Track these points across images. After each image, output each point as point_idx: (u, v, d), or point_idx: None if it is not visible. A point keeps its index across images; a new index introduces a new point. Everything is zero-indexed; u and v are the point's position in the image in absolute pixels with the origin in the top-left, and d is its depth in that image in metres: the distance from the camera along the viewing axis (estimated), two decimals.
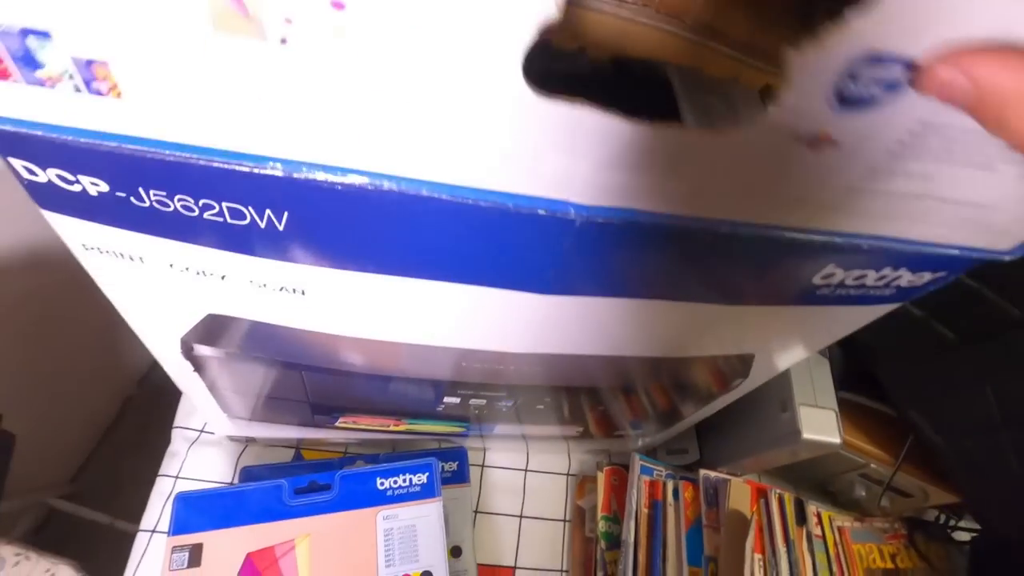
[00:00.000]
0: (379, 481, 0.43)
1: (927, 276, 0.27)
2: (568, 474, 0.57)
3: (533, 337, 0.28)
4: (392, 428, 0.44)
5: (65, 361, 0.87)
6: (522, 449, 0.56)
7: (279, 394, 0.37)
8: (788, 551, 0.50)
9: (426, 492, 0.43)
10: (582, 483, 0.57)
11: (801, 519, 0.53)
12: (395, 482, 0.43)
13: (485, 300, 0.24)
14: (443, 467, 0.47)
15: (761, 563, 0.49)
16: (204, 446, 0.50)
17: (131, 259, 0.24)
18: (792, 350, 0.34)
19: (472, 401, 0.37)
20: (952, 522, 0.60)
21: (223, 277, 0.24)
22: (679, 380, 0.36)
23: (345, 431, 0.45)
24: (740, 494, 0.52)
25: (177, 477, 0.48)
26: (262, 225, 0.20)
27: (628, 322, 0.27)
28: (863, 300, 0.28)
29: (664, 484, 0.54)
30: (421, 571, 0.41)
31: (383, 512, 0.42)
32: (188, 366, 0.34)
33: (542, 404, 0.39)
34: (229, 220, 0.20)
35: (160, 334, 0.30)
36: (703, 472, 0.55)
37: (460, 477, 0.50)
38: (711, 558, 0.50)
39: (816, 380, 0.46)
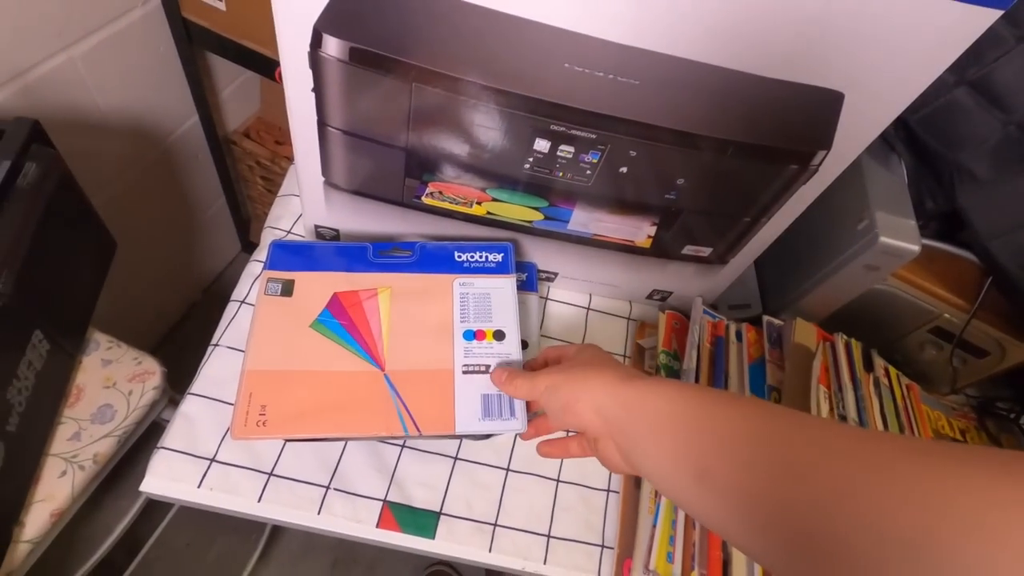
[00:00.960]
0: (457, 254, 0.46)
1: None
2: (629, 318, 0.57)
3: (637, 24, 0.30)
4: (474, 209, 0.46)
5: (144, 251, 0.93)
6: (585, 291, 0.57)
7: (382, 134, 0.40)
8: (855, 388, 0.50)
9: (501, 269, 0.46)
10: (642, 327, 0.57)
11: (869, 366, 0.52)
12: (472, 256, 0.46)
13: None
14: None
15: (827, 396, 0.49)
16: None
17: None
18: (884, 87, 0.35)
19: (561, 148, 0.39)
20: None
21: None
22: (769, 129, 0.37)
23: (428, 213, 0.47)
24: (805, 331, 0.52)
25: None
26: None
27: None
28: None
29: (727, 325, 0.54)
30: (494, 329, 0.43)
31: (460, 279, 0.45)
32: (308, 81, 0.37)
33: (625, 165, 0.40)
34: None
35: (295, 18, 0.33)
36: (766, 318, 0.55)
37: (529, 285, 0.51)
38: (775, 387, 0.50)
39: (894, 193, 0.45)
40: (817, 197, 0.43)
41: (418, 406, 0.40)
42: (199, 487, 0.40)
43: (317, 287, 0.43)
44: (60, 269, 0.49)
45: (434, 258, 0.46)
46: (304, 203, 0.49)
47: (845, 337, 0.52)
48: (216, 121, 0.94)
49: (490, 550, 0.42)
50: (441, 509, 0.43)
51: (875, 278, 0.47)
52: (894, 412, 0.51)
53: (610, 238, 0.48)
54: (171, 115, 0.88)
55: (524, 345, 0.46)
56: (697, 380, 0.50)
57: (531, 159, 0.40)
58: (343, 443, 0.44)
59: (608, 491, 0.47)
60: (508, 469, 0.46)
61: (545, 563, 0.43)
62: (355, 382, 0.40)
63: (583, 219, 0.46)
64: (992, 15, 0.31)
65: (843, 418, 0.48)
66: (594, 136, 0.38)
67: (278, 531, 0.95)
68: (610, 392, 0.32)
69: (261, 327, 0.41)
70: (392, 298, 0.44)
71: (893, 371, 0.54)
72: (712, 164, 0.40)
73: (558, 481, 0.46)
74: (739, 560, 0.41)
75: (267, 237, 0.54)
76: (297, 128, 0.41)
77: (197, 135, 0.94)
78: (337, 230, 0.51)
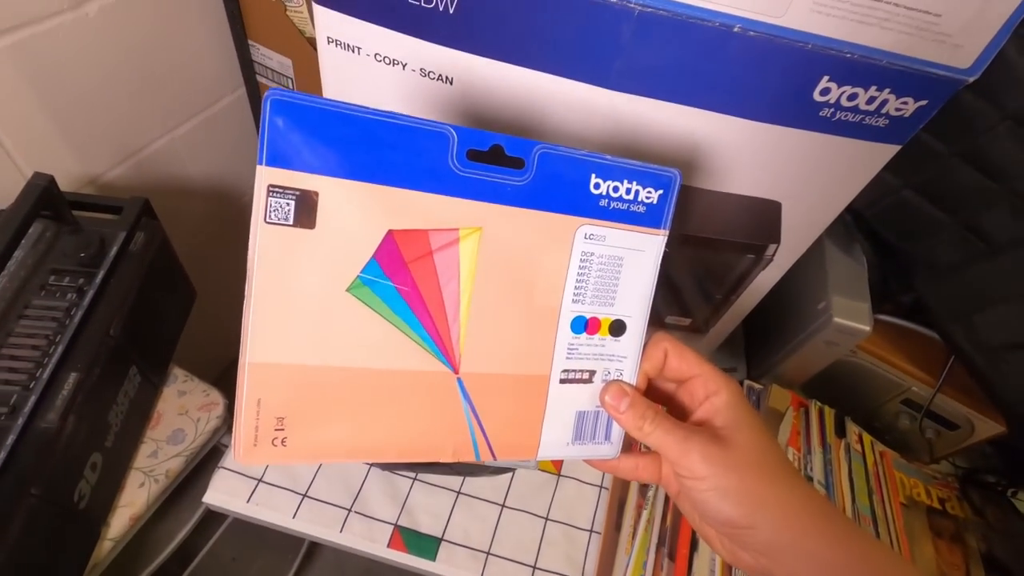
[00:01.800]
0: (593, 179, 0.28)
1: (911, 104, 0.35)
2: None
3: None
4: None
5: (214, 294, 1.07)
6: None
7: None
8: (824, 452, 0.54)
9: (650, 218, 0.30)
10: None
11: (841, 432, 0.57)
12: (615, 188, 0.29)
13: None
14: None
15: (796, 457, 0.54)
16: None
17: (351, 49, 0.37)
18: (815, 200, 0.42)
19: None
20: (1013, 491, 0.60)
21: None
22: (720, 231, 0.45)
23: None
24: (780, 397, 0.57)
25: None
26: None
27: (673, 128, 0.37)
28: (862, 132, 0.37)
29: None
30: (613, 318, 0.30)
31: (588, 227, 0.29)
32: None
33: None
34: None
35: None
36: (747, 383, 0.60)
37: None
38: None
39: (851, 279, 0.51)
40: (790, 277, 0.49)
41: (495, 424, 0.28)
42: (248, 502, 0.49)
43: (358, 212, 0.25)
44: (153, 316, 0.61)
45: (556, 185, 0.28)
46: None
47: (819, 404, 0.57)
48: None
49: (482, 575, 0.49)
50: (443, 535, 0.50)
51: (836, 352, 0.52)
52: (863, 476, 0.55)
53: None
54: (246, 180, 1.03)
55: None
56: None
57: None
58: (367, 469, 0.52)
59: (591, 531, 0.53)
60: (504, 505, 0.53)
61: None
62: (415, 387, 0.27)
63: None
64: (891, 149, 0.38)
65: (810, 479, 0.52)
66: None
67: (312, 554, 1.04)
68: (799, 540, 0.27)
69: (267, 288, 0.25)
70: (481, 246, 0.27)
71: (868, 438, 0.58)
72: (681, 254, 0.47)
73: (547, 519, 0.53)
74: None
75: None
76: None
77: None
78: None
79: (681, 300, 0.54)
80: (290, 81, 0.84)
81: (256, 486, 0.50)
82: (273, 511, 0.49)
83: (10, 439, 0.44)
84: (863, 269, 0.52)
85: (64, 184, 0.65)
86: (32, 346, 0.49)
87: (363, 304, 0.26)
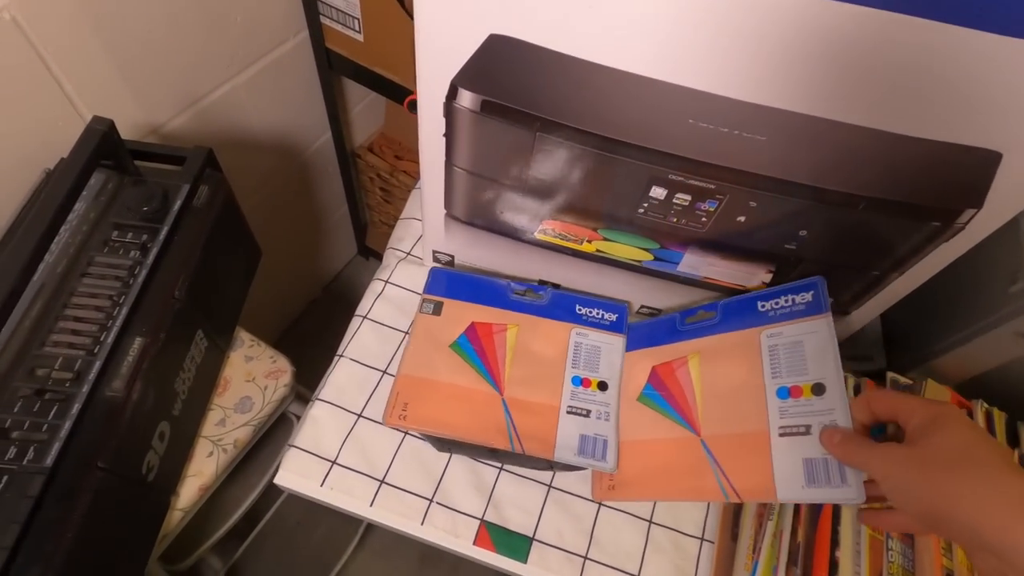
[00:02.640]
0: (760, 304, 0.43)
1: None
2: None
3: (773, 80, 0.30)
4: (584, 247, 0.47)
5: (277, 253, 1.03)
6: None
7: (503, 176, 0.42)
8: None
9: (812, 309, 0.41)
10: None
11: (1014, 442, 0.47)
12: (776, 303, 0.43)
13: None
14: (604, 315, 0.50)
15: None
16: (409, 264, 0.57)
17: None
18: None
19: (678, 196, 0.39)
20: None
21: None
22: (908, 184, 0.35)
23: (539, 247, 0.49)
24: (937, 395, 0.47)
25: (387, 282, 0.56)
26: None
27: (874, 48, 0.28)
28: None
29: (844, 377, 0.51)
30: (812, 383, 0.39)
31: (767, 331, 0.42)
32: (440, 126, 0.40)
33: (744, 215, 0.39)
34: None
35: (436, 73, 0.36)
36: (891, 375, 0.51)
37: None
38: None
39: None
40: (971, 249, 0.40)
41: (735, 472, 0.39)
42: (321, 486, 0.45)
43: (640, 363, 0.47)
44: (219, 276, 0.57)
45: (736, 313, 0.44)
46: (425, 230, 0.52)
47: (986, 405, 0.47)
48: (345, 137, 1.03)
49: None
50: (534, 535, 0.45)
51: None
52: None
53: (721, 282, 0.47)
54: (309, 132, 0.97)
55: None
56: None
57: (646, 204, 0.41)
58: (447, 458, 0.47)
59: (702, 539, 0.46)
60: (601, 503, 0.47)
61: None
62: (676, 449, 0.42)
63: (694, 262, 0.46)
64: None
65: None
66: (713, 186, 0.38)
67: None
68: (1014, 532, 0.25)
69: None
70: (701, 362, 0.44)
71: None
72: (840, 218, 0.38)
73: (650, 523, 0.46)
74: None
75: (390, 257, 0.58)
76: (427, 165, 0.45)
77: (329, 149, 1.04)
78: (452, 256, 0.54)
79: (828, 274, 0.44)
80: (356, 22, 0.76)
81: (330, 469, 0.45)
82: (348, 496, 0.45)
83: (75, 408, 0.41)
84: None
85: (125, 132, 0.60)
86: (96, 307, 0.45)
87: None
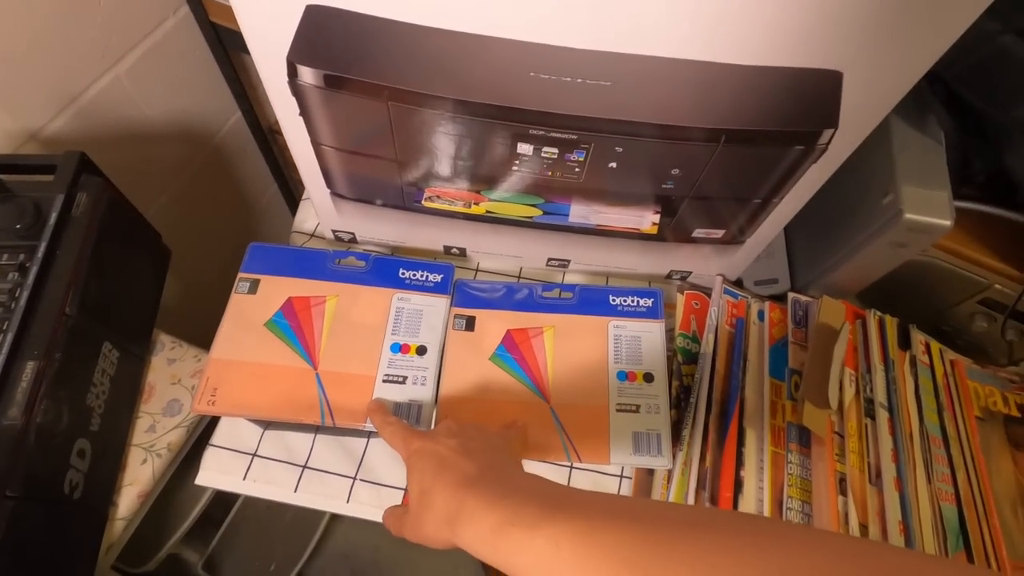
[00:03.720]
0: (611, 298, 0.50)
1: None
2: None
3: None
4: (473, 210, 0.47)
5: (205, 247, 1.00)
6: (601, 274, 0.57)
7: (370, 148, 0.41)
8: (886, 369, 0.47)
9: (651, 313, 0.49)
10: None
11: (905, 344, 0.49)
12: (624, 300, 0.50)
13: None
14: (428, 277, 0.51)
15: (853, 377, 0.47)
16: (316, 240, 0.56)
17: None
18: (890, 63, 0.31)
19: (545, 150, 0.38)
20: None
21: None
22: (763, 113, 0.35)
23: (432, 215, 0.48)
24: (833, 309, 0.49)
25: None
26: None
27: None
28: None
29: (748, 304, 0.52)
30: (644, 372, 0.46)
31: (614, 322, 0.49)
32: (294, 107, 0.38)
33: (613, 161, 0.39)
34: None
35: (270, 53, 0.34)
36: (792, 295, 0.52)
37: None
38: (796, 370, 0.48)
39: (926, 163, 0.41)
40: (847, 167, 0.40)
41: (578, 437, 0.44)
42: (244, 479, 0.45)
43: (494, 324, 0.49)
44: (120, 283, 0.55)
45: (591, 301, 0.50)
46: (318, 211, 0.51)
47: (879, 314, 0.49)
48: (259, 114, 0.99)
49: None
50: None
51: (905, 254, 0.43)
52: (932, 391, 0.48)
53: (614, 227, 0.47)
54: (215, 115, 0.93)
55: (650, 377, 0.47)
56: (714, 364, 0.49)
57: (517, 162, 0.40)
58: (366, 438, 0.48)
59: (621, 476, 0.48)
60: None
61: None
62: (527, 412, 0.45)
63: (582, 212, 0.46)
64: None
65: (870, 402, 0.46)
66: (575, 137, 0.37)
67: None
68: (476, 529, 0.28)
69: (451, 360, 0.47)
70: (555, 336, 0.48)
71: (936, 347, 0.50)
72: (705, 153, 0.38)
73: (571, 467, 0.48)
74: None
75: (295, 241, 0.57)
76: (295, 147, 0.43)
77: (242, 130, 0.99)
78: (353, 233, 0.53)
79: (711, 209, 0.45)
80: None
81: (251, 461, 0.46)
82: (272, 486, 0.45)
83: None
84: (940, 148, 0.42)
85: (0, 144, 0.57)
86: None
87: (496, 366, 0.47)
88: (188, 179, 0.91)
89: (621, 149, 0.38)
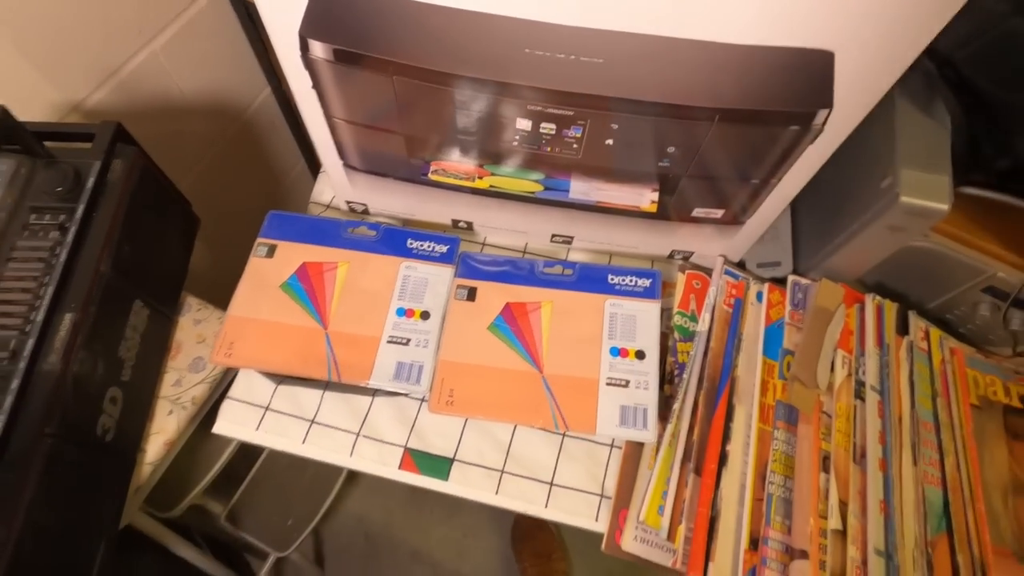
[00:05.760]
0: (610, 277, 0.52)
1: None
2: None
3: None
4: (477, 183, 0.48)
5: (236, 218, 1.04)
6: (604, 252, 0.58)
7: (378, 121, 0.43)
8: (881, 353, 0.47)
9: (648, 294, 0.51)
10: (663, 287, 0.57)
11: (904, 329, 0.49)
12: (623, 280, 0.51)
13: None
14: (435, 248, 0.53)
15: (846, 361, 0.47)
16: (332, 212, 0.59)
17: None
18: (880, 43, 0.32)
19: (543, 126, 0.40)
20: None
21: None
22: (756, 93, 0.35)
23: (439, 188, 0.50)
24: (831, 292, 0.49)
25: None
26: None
27: None
28: None
29: (747, 285, 0.53)
30: (637, 349, 0.48)
31: (611, 300, 0.50)
32: (307, 80, 0.40)
33: (610, 137, 0.40)
34: None
35: (284, 29, 0.37)
36: (792, 277, 0.53)
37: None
38: (789, 351, 0.49)
39: (928, 146, 0.41)
40: (849, 147, 0.40)
41: (567, 407, 0.46)
42: (256, 430, 0.49)
43: (494, 296, 0.51)
44: (151, 246, 0.59)
45: (590, 279, 0.52)
46: (333, 183, 0.54)
47: (878, 299, 0.49)
48: (287, 90, 1.01)
49: (496, 493, 0.47)
50: (455, 456, 0.49)
51: (903, 238, 0.43)
52: (928, 378, 0.48)
53: (614, 204, 0.49)
54: (246, 90, 0.96)
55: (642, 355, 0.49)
56: (708, 342, 0.50)
57: (516, 137, 0.42)
58: (371, 397, 0.50)
59: (612, 446, 0.50)
60: (517, 425, 0.50)
61: (546, 507, 0.47)
62: (519, 379, 0.47)
63: (582, 188, 0.47)
64: None
65: (861, 384, 0.46)
66: (571, 113, 0.38)
67: None
68: None
69: (451, 327, 0.49)
70: (553, 311, 0.50)
71: (936, 334, 0.50)
72: (700, 131, 0.39)
73: (564, 435, 0.50)
74: (726, 518, 0.43)
75: (312, 211, 0.60)
76: (309, 120, 0.46)
77: (271, 105, 1.02)
78: (366, 205, 0.56)
79: (711, 188, 0.45)
80: None
81: (264, 414, 0.49)
82: (282, 438, 0.49)
83: (15, 383, 0.45)
84: (945, 132, 0.41)
85: (42, 113, 0.61)
86: (23, 289, 0.48)
87: (493, 335, 0.49)
88: (219, 152, 0.95)
89: (616, 126, 0.39)
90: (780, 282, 0.54)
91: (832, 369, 0.46)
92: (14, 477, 0.43)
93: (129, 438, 0.56)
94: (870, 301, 0.49)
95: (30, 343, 0.46)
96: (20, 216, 0.51)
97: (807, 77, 0.34)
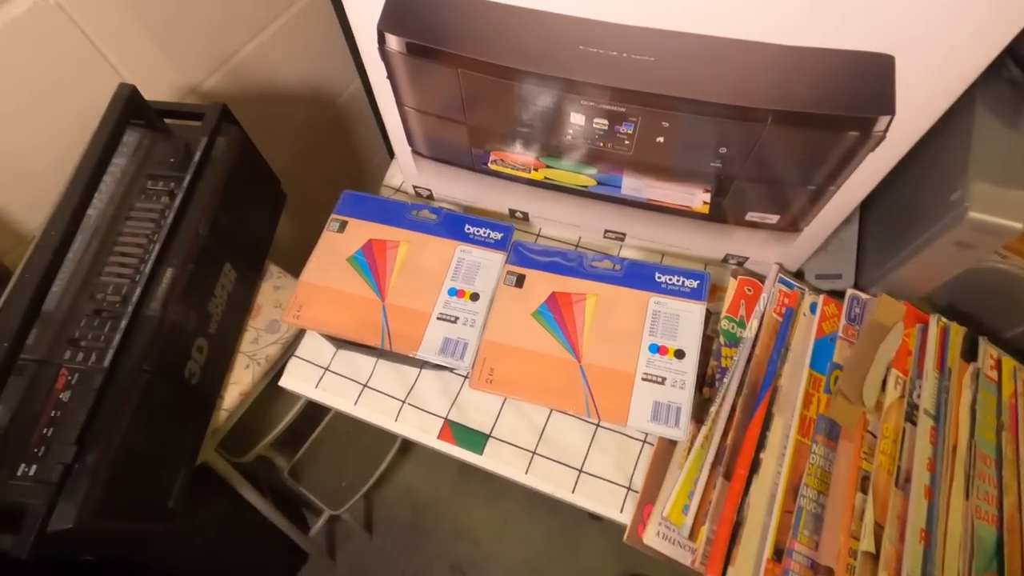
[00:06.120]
0: (657, 275, 0.52)
1: None
2: None
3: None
4: (533, 175, 0.50)
5: (320, 198, 1.13)
6: (657, 252, 0.58)
7: (444, 111, 0.46)
8: (941, 377, 0.45)
9: (695, 295, 0.51)
10: (713, 291, 0.57)
11: (972, 356, 0.46)
12: (670, 279, 0.52)
13: None
14: (490, 234, 0.55)
15: (900, 382, 0.45)
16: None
17: None
18: (946, 48, 0.30)
19: (596, 121, 0.41)
20: None
21: None
22: (811, 96, 0.35)
23: (497, 178, 0.52)
24: (890, 309, 0.47)
25: None
26: None
27: None
28: None
29: (802, 295, 0.51)
30: (676, 348, 0.48)
31: (656, 298, 0.51)
32: (383, 71, 0.44)
33: (661, 135, 0.41)
34: None
35: (365, 23, 0.40)
36: (851, 292, 0.51)
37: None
38: (838, 365, 0.47)
39: (1007, 159, 0.38)
40: (923, 157, 0.38)
41: (601, 396, 0.47)
42: (316, 388, 0.54)
43: (541, 284, 0.53)
44: (243, 216, 0.66)
45: (638, 275, 0.52)
46: (402, 168, 0.58)
47: (943, 320, 0.47)
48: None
49: (527, 472, 0.50)
50: (491, 432, 0.51)
51: (971, 256, 0.41)
52: (995, 409, 0.45)
53: (665, 203, 0.49)
54: (338, 82, 1.04)
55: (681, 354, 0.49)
56: (753, 349, 0.49)
57: (570, 132, 0.43)
58: (419, 369, 0.54)
59: (644, 442, 0.50)
60: (552, 410, 0.52)
61: (573, 492, 0.49)
62: (557, 366, 0.49)
63: (634, 185, 0.48)
64: None
65: (914, 407, 0.44)
66: (623, 109, 0.39)
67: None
68: None
69: (498, 310, 0.52)
70: (597, 304, 0.52)
71: (1009, 363, 0.47)
72: (753, 133, 0.39)
73: (598, 426, 0.51)
74: (752, 525, 0.42)
75: (384, 193, 0.65)
76: (384, 107, 0.50)
77: (360, 97, 1.10)
78: (430, 190, 0.59)
79: (765, 192, 0.45)
80: None
81: (323, 374, 0.54)
82: (338, 397, 0.53)
83: (123, 323, 0.52)
84: None
85: (166, 94, 0.70)
86: (136, 244, 0.56)
87: (536, 322, 0.51)
88: (311, 136, 1.03)
89: (667, 124, 0.40)
90: (838, 295, 0.52)
91: (883, 388, 0.44)
92: (116, 403, 0.50)
93: (211, 384, 0.63)
94: (934, 322, 0.46)
95: (137, 291, 0.53)
96: (139, 182, 0.59)
97: (866, 81, 0.34)
